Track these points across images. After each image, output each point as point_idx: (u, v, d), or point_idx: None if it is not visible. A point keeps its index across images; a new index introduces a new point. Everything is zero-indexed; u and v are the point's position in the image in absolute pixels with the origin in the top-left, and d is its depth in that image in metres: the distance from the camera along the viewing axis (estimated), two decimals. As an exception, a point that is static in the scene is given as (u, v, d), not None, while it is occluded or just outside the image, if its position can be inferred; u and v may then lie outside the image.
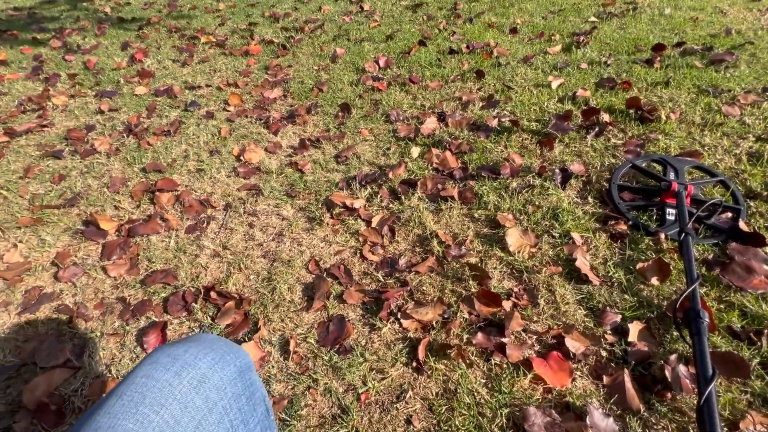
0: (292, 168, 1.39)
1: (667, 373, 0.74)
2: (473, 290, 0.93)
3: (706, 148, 1.28)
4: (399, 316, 0.89)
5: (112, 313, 0.96)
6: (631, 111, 1.47)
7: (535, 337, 0.84)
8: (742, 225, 0.98)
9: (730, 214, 1.04)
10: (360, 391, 0.78)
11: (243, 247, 1.11)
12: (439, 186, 1.23)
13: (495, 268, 0.99)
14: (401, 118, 1.59)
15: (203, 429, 0.39)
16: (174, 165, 1.44)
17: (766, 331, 0.78)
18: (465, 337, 0.85)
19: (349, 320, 0.90)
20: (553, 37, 2.13)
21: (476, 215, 1.13)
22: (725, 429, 0.68)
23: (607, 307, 0.87)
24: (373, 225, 1.12)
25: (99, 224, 1.18)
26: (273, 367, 0.83)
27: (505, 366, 0.79)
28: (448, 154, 1.33)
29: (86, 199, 1.31)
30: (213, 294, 0.97)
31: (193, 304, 0.96)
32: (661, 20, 2.21)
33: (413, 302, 0.92)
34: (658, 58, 1.78)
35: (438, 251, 1.03)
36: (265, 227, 1.17)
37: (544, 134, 1.41)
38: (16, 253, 1.12)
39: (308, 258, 1.06)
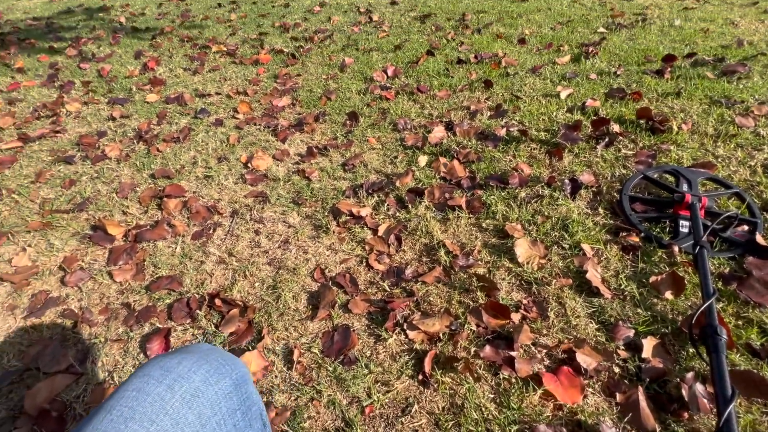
0: (299, 175, 1.39)
1: (684, 392, 0.71)
2: (481, 302, 0.91)
3: (719, 160, 1.25)
4: (405, 327, 0.87)
5: (117, 318, 0.96)
6: (642, 121, 1.45)
7: (544, 351, 0.81)
8: (759, 238, 0.96)
9: (746, 227, 1.02)
10: (364, 404, 0.76)
11: (248, 254, 1.11)
12: (447, 195, 1.22)
13: (503, 279, 0.97)
14: (409, 127, 1.59)
15: None
16: (182, 171, 1.45)
17: (787, 349, 0.75)
18: (472, 349, 0.82)
19: (354, 330, 0.88)
20: (561, 48, 2.13)
21: (484, 225, 1.12)
22: (746, 452, 0.65)
23: (620, 322, 0.85)
24: (380, 234, 1.11)
25: (107, 229, 1.18)
26: (276, 377, 0.82)
27: (513, 381, 0.77)
28: (455, 163, 1.33)
29: (95, 204, 1.32)
30: (217, 301, 0.96)
31: (198, 311, 0.95)
32: (671, 31, 2.20)
33: (419, 313, 0.90)
34: (669, 69, 1.77)
35: (445, 261, 1.02)
36: (271, 234, 1.16)
37: (553, 144, 1.40)
38: (24, 257, 1.12)
39: (314, 266, 1.05)
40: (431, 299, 0.93)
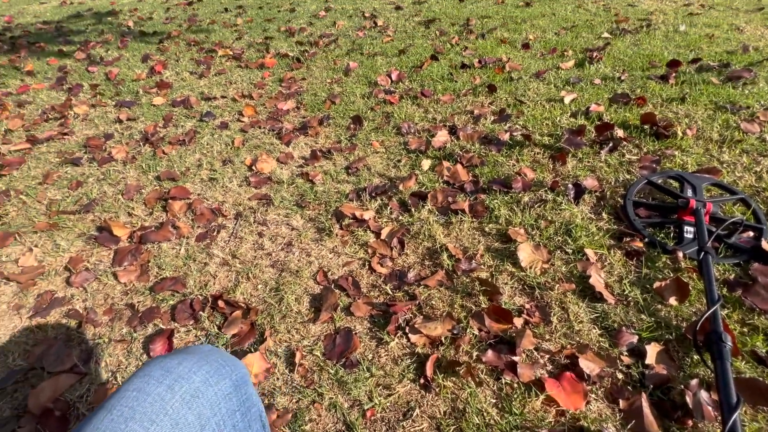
0: (303, 178, 1.40)
1: (688, 399, 0.70)
2: (483, 306, 0.91)
3: (724, 165, 1.25)
4: (407, 331, 0.87)
5: (121, 319, 0.96)
6: (646, 127, 1.45)
7: (547, 356, 0.81)
8: (765, 245, 0.95)
9: (751, 234, 1.01)
10: (366, 407, 0.76)
11: (252, 256, 1.11)
12: (450, 199, 1.22)
13: (506, 283, 0.97)
14: (412, 130, 1.60)
15: None
16: (187, 174, 1.47)
17: (793, 357, 0.74)
18: (474, 354, 0.82)
19: (356, 333, 0.89)
20: (565, 53, 2.13)
21: (487, 229, 1.12)
22: (751, 461, 0.64)
23: (623, 327, 0.84)
24: (383, 237, 1.12)
25: (112, 230, 1.19)
26: (278, 379, 0.82)
27: (516, 386, 0.76)
28: (459, 167, 1.33)
29: (101, 206, 1.33)
30: (220, 303, 0.96)
31: (201, 312, 0.96)
32: (676, 37, 2.19)
33: (422, 317, 0.90)
34: (674, 74, 1.76)
35: (448, 265, 1.02)
36: (275, 237, 1.17)
37: (556, 149, 1.40)
38: (31, 257, 1.14)
39: (316, 269, 1.05)
40: (433, 303, 0.93)
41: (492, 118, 1.63)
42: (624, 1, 2.89)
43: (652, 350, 0.78)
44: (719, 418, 0.67)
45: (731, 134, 1.36)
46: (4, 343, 0.93)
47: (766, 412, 0.69)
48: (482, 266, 1.01)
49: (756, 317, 0.83)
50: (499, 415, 0.73)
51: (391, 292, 0.97)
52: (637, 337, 0.82)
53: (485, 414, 0.73)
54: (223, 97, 2.02)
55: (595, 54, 2.03)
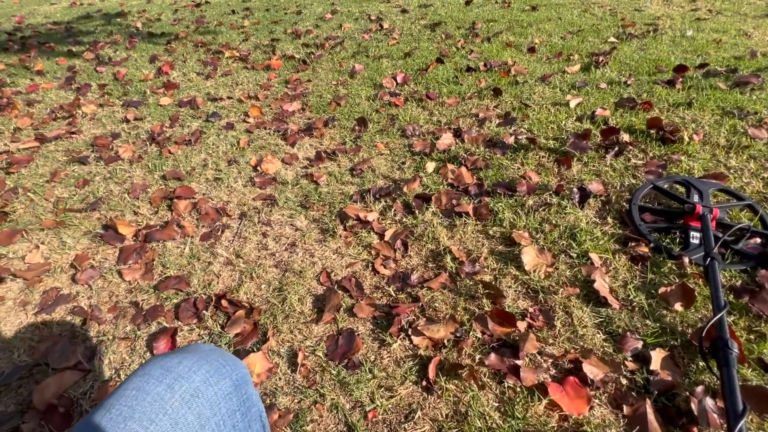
0: (308, 179, 1.40)
1: (693, 406, 0.70)
2: (487, 309, 0.91)
3: (731, 171, 1.24)
4: (410, 333, 0.87)
5: (125, 317, 0.97)
6: (652, 131, 1.44)
7: (550, 360, 0.81)
8: (772, 251, 0.94)
9: (758, 240, 1.00)
10: (367, 409, 0.76)
11: (256, 256, 1.12)
12: (454, 201, 1.22)
13: (510, 286, 0.96)
14: (417, 133, 1.60)
15: None
16: (193, 173, 1.48)
17: (801, 365, 0.74)
18: (477, 357, 0.82)
19: (358, 334, 0.88)
20: (571, 57, 2.13)
21: (491, 232, 1.12)
22: (758, 470, 0.63)
23: (628, 332, 0.83)
24: (386, 238, 1.12)
25: (118, 229, 1.20)
26: (280, 379, 0.82)
27: (518, 390, 0.76)
28: (463, 169, 1.33)
29: (107, 204, 1.34)
30: (224, 302, 0.97)
31: (204, 311, 0.96)
32: (683, 42, 2.19)
33: (425, 319, 0.90)
34: (680, 79, 1.76)
35: (451, 267, 1.02)
36: (279, 237, 1.17)
37: (561, 152, 1.39)
38: (37, 254, 1.15)
39: (320, 269, 1.06)
40: (437, 305, 0.93)
41: (497, 121, 1.63)
42: (631, 6, 2.89)
43: (657, 356, 0.78)
44: (725, 426, 0.66)
45: (738, 140, 1.35)
46: (9, 339, 0.93)
47: (772, 421, 0.68)
48: (486, 269, 1.01)
49: (763, 324, 0.82)
50: (501, 419, 0.72)
51: (394, 294, 0.97)
52: (641, 342, 0.81)
53: (487, 418, 0.73)
54: (229, 98, 2.04)
55: (601, 58, 2.03)
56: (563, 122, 1.57)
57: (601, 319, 0.87)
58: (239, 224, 1.23)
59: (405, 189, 1.29)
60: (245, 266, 1.09)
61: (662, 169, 1.26)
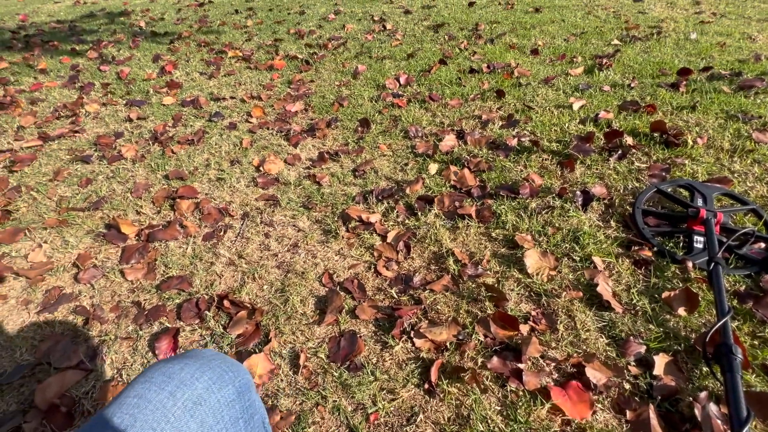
0: (310, 180, 1.40)
1: (697, 412, 0.69)
2: (489, 312, 0.90)
3: (735, 175, 1.23)
4: (412, 335, 0.87)
5: (127, 316, 0.97)
6: (656, 134, 1.44)
7: (553, 364, 0.80)
8: (776, 256, 0.93)
9: (763, 245, 0.99)
10: (369, 411, 0.75)
11: (258, 256, 1.12)
12: (457, 203, 1.22)
13: (512, 290, 0.96)
14: (420, 134, 1.60)
15: None
16: (195, 173, 1.48)
17: (805, 371, 0.73)
18: (480, 360, 0.82)
19: (360, 336, 0.88)
20: (574, 59, 2.13)
21: (494, 235, 1.11)
22: (762, 477, 0.63)
23: (631, 337, 0.83)
24: (389, 240, 1.11)
25: (120, 228, 1.20)
26: (282, 380, 0.82)
27: (521, 393, 0.76)
28: (466, 171, 1.33)
29: (110, 203, 1.34)
30: (226, 302, 0.97)
31: (206, 311, 0.96)
32: (687, 45, 2.18)
33: (427, 321, 0.90)
34: (684, 83, 1.75)
35: (454, 270, 1.01)
36: (281, 238, 1.17)
37: (564, 155, 1.39)
38: (40, 253, 1.15)
39: (322, 270, 1.05)
40: (439, 308, 0.93)
41: (500, 123, 1.62)
42: (634, 9, 2.88)
43: (660, 361, 0.77)
44: (729, 432, 0.66)
45: (743, 144, 1.35)
46: (12, 338, 0.93)
47: (777, 428, 0.68)
48: (488, 272, 1.01)
49: (767, 330, 0.82)
50: (503, 423, 0.72)
51: (396, 296, 0.97)
52: (644, 347, 0.81)
53: (490, 421, 0.72)
54: (232, 97, 2.04)
55: (604, 61, 2.02)
56: (566, 125, 1.56)
57: (604, 323, 0.87)
58: (242, 224, 1.23)
59: (408, 190, 1.29)
60: (247, 267, 1.09)
61: (666, 172, 1.26)
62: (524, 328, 0.86)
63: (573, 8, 3.02)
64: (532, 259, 1.00)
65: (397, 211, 1.21)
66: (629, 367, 0.78)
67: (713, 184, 1.16)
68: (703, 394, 0.72)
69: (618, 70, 1.97)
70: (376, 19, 3.12)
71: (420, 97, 1.88)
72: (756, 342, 0.80)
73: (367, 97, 1.93)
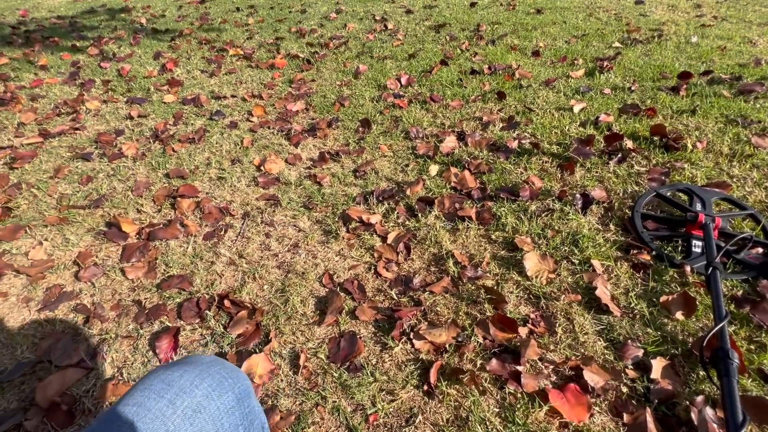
0: (311, 180, 1.40)
1: (693, 416, 0.70)
2: (488, 314, 0.91)
3: (734, 180, 1.24)
4: (411, 337, 0.87)
5: (128, 315, 0.97)
6: (656, 138, 1.44)
7: (551, 367, 0.81)
8: (774, 262, 0.94)
9: (761, 250, 1.00)
10: (368, 412, 0.76)
11: (258, 256, 1.12)
12: (457, 205, 1.22)
13: (511, 292, 0.96)
14: (421, 135, 1.60)
15: None
16: (196, 172, 1.48)
17: (801, 376, 0.74)
18: (479, 362, 0.82)
19: (360, 337, 0.89)
20: (575, 62, 2.13)
21: (494, 237, 1.12)
22: (756, 481, 0.64)
23: (629, 340, 0.84)
24: (389, 241, 1.12)
25: (121, 226, 1.20)
26: (282, 380, 0.82)
27: (519, 396, 0.76)
28: (466, 173, 1.33)
29: (111, 201, 1.34)
30: (226, 302, 0.97)
31: (207, 311, 0.96)
32: (688, 48, 2.19)
33: (426, 323, 0.90)
34: (684, 86, 1.76)
35: (453, 272, 1.02)
36: (282, 238, 1.18)
37: (565, 158, 1.40)
38: (40, 251, 1.15)
39: (322, 271, 1.06)
40: (438, 309, 0.93)
41: (501, 125, 1.63)
42: (636, 11, 2.89)
43: (657, 365, 0.78)
44: (724, 436, 0.66)
45: (742, 148, 1.35)
46: (12, 336, 0.94)
47: (772, 432, 0.68)
48: (488, 274, 1.01)
49: (764, 335, 0.83)
50: (502, 425, 0.73)
51: (396, 297, 0.98)
52: (642, 350, 0.82)
53: (488, 423, 0.73)
54: (233, 96, 2.04)
55: (605, 63, 2.03)
56: (567, 127, 1.57)
57: (602, 327, 0.87)
58: (242, 224, 1.23)
59: (408, 192, 1.29)
60: (248, 266, 1.09)
61: (665, 176, 1.26)
62: (523, 331, 0.86)
63: (574, 10, 3.02)
64: (531, 262, 1.01)
65: (398, 213, 1.22)
66: (627, 370, 0.79)
67: (712, 189, 1.17)
68: (699, 398, 0.72)
69: (619, 72, 1.98)
70: (377, 18, 3.11)
71: (421, 97, 1.89)
72: (752, 347, 0.81)
73: (369, 97, 1.93)
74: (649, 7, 2.95)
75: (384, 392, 0.79)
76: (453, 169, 1.36)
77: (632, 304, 0.91)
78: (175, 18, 3.44)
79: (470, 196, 1.26)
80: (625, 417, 0.72)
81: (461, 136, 1.56)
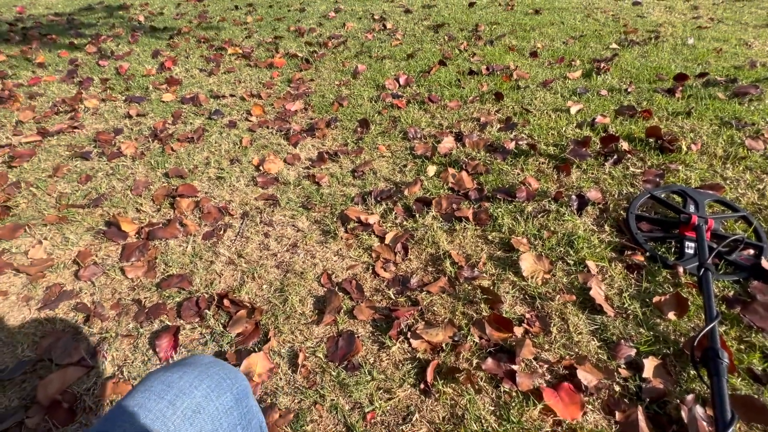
0: (310, 180, 1.41)
1: (683, 414, 0.72)
2: (485, 314, 0.92)
3: (728, 182, 1.26)
4: (409, 336, 0.89)
5: (128, 314, 0.98)
6: (651, 140, 1.46)
7: (546, 366, 0.82)
8: (764, 263, 0.96)
9: (752, 251, 1.02)
10: (366, 410, 0.77)
11: (257, 256, 1.13)
12: (454, 206, 1.23)
13: (507, 292, 0.98)
14: (419, 136, 1.61)
15: None
16: (195, 171, 1.48)
17: (788, 376, 0.76)
18: (475, 361, 0.84)
19: (358, 337, 0.90)
20: (573, 63, 2.14)
21: (490, 237, 1.13)
22: (744, 477, 0.65)
23: (622, 340, 0.85)
24: (387, 242, 1.13)
25: (120, 226, 1.21)
26: (281, 379, 0.83)
27: (514, 394, 0.78)
28: (464, 174, 1.34)
29: (110, 201, 1.35)
30: (226, 301, 0.98)
31: (206, 310, 0.97)
32: (684, 50, 2.20)
33: (423, 322, 0.92)
34: (680, 88, 1.77)
35: (450, 272, 1.03)
36: (280, 238, 1.19)
37: (561, 159, 1.41)
38: (40, 250, 1.16)
39: (321, 271, 1.07)
40: (435, 309, 0.95)
41: (498, 126, 1.64)
42: (633, 12, 2.90)
43: (649, 364, 0.80)
44: (713, 433, 0.68)
45: (735, 151, 1.37)
46: (13, 334, 0.94)
47: (760, 430, 0.70)
48: (484, 274, 1.03)
49: (753, 335, 0.84)
50: (497, 423, 0.74)
51: (393, 297, 0.99)
52: (635, 350, 0.83)
53: (483, 421, 0.74)
54: (231, 95, 2.04)
55: (602, 65, 2.04)
56: (564, 129, 1.58)
57: (596, 327, 0.89)
58: (241, 224, 1.24)
59: (406, 192, 1.30)
60: (247, 266, 1.10)
61: (660, 178, 1.28)
62: (518, 331, 0.88)
63: (572, 10, 3.03)
64: (527, 263, 1.02)
65: (396, 213, 1.23)
66: (619, 369, 0.81)
67: (705, 191, 1.18)
68: (690, 397, 0.74)
69: (615, 74, 1.99)
70: (376, 18, 3.12)
71: (419, 98, 1.90)
72: (742, 346, 0.83)
73: (367, 97, 1.94)
74: (646, 9, 2.96)
75: (381, 391, 0.80)
76: (450, 170, 1.37)
77: (626, 305, 0.93)
78: (174, 16, 3.43)
79: (467, 197, 1.28)
80: (618, 415, 0.74)
81: (459, 137, 1.57)
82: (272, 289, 1.03)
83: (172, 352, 0.89)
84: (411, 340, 0.88)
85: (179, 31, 2.98)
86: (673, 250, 1.05)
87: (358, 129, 1.68)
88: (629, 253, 1.05)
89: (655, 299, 0.92)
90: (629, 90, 1.82)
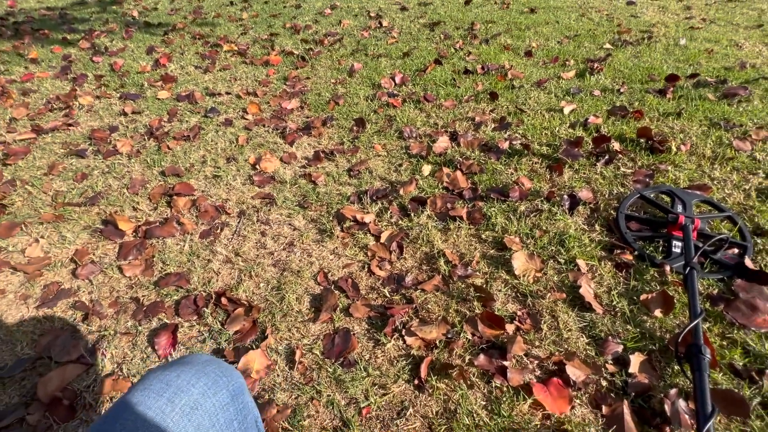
0: (306, 179, 1.43)
1: (667, 408, 0.75)
2: (477, 311, 0.95)
3: (715, 182, 1.29)
4: (403, 333, 0.91)
5: (126, 312, 0.99)
6: (642, 140, 1.49)
7: (536, 362, 0.85)
8: (748, 262, 0.99)
9: (736, 251, 1.05)
10: (362, 406, 0.79)
11: (254, 254, 1.14)
12: (449, 205, 1.25)
13: (500, 290, 1.00)
14: (414, 135, 1.63)
15: None
16: (192, 170, 1.49)
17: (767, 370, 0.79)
18: (467, 357, 0.86)
19: (354, 334, 0.92)
20: (567, 62, 2.16)
21: (483, 236, 1.15)
22: (722, 467, 0.68)
23: (609, 337, 0.88)
24: (382, 240, 1.15)
25: (117, 224, 1.22)
26: (278, 375, 0.85)
27: (505, 389, 0.80)
28: (458, 173, 1.36)
29: (106, 199, 1.35)
30: (223, 299, 1.00)
31: (204, 308, 0.99)
32: (676, 51, 2.23)
33: (418, 320, 0.94)
34: (671, 89, 1.80)
35: (444, 270, 1.05)
36: (277, 236, 1.20)
37: (554, 159, 1.44)
38: (37, 248, 1.16)
39: (317, 269, 1.09)
40: (429, 307, 0.97)
41: (492, 125, 1.66)
42: (627, 12, 2.93)
43: (635, 360, 0.82)
44: (695, 426, 0.71)
45: (723, 151, 1.40)
46: (12, 332, 0.95)
47: (739, 422, 0.73)
48: (477, 273, 1.05)
49: (735, 331, 0.87)
50: (488, 417, 0.77)
51: (389, 295, 1.01)
52: (622, 346, 0.86)
53: (475, 415, 0.77)
54: (227, 93, 2.04)
55: (596, 65, 2.07)
56: (557, 129, 1.60)
57: (585, 324, 0.92)
58: (238, 222, 1.25)
59: (401, 191, 1.32)
60: (244, 265, 1.11)
61: (650, 178, 1.31)
62: (510, 328, 0.90)
63: (567, 10, 3.05)
64: (519, 261, 1.05)
65: (391, 212, 1.25)
66: (607, 365, 0.83)
67: (693, 191, 1.21)
68: (673, 391, 0.77)
69: (608, 74, 2.02)
70: (372, 15, 3.12)
71: (415, 97, 1.91)
72: (725, 342, 0.86)
73: (363, 96, 1.95)
74: (640, 8, 2.99)
75: (376, 386, 0.83)
76: (445, 170, 1.39)
77: (614, 302, 0.95)
78: (168, 11, 3.40)
79: (462, 196, 1.30)
80: (604, 409, 0.76)
81: (454, 137, 1.59)
82: (269, 288, 1.05)
83: (171, 349, 0.91)
84: (405, 337, 0.90)
85: (174, 27, 2.96)
86: (660, 249, 1.08)
87: (354, 128, 1.69)
88: (618, 252, 1.07)
89: (643, 297, 0.95)
90: (622, 90, 1.85)
